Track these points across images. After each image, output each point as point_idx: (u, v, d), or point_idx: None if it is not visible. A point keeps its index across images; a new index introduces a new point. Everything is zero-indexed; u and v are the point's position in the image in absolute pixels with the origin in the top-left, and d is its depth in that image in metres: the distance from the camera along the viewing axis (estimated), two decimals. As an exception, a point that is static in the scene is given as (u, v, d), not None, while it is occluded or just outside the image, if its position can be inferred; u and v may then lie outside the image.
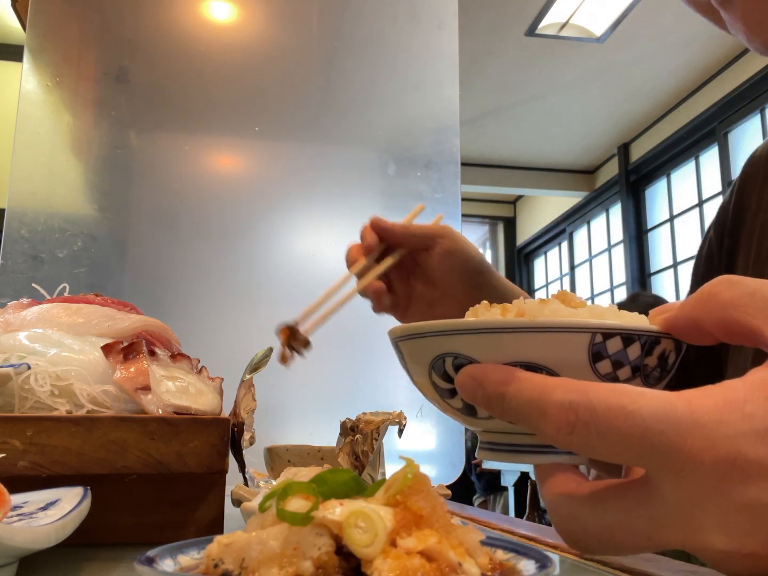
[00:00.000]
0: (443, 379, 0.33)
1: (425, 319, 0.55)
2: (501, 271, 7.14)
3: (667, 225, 4.97)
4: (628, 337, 0.31)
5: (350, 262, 0.71)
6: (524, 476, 4.54)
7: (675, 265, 4.82)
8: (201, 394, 0.56)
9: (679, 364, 0.36)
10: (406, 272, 0.73)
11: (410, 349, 0.35)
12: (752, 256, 0.65)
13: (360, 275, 0.70)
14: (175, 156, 1.27)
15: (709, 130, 4.39)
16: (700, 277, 0.73)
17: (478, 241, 7.28)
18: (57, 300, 0.64)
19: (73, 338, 0.57)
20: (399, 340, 0.36)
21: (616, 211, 5.53)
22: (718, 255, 0.71)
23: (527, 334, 0.31)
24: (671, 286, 4.85)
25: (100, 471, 0.47)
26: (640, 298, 2.61)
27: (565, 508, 0.30)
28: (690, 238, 4.60)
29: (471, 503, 4.07)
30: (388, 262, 0.70)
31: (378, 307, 0.74)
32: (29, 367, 0.51)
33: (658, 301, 2.50)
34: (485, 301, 0.36)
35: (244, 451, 0.60)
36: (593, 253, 5.91)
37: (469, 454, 3.89)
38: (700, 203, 4.45)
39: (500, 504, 4.22)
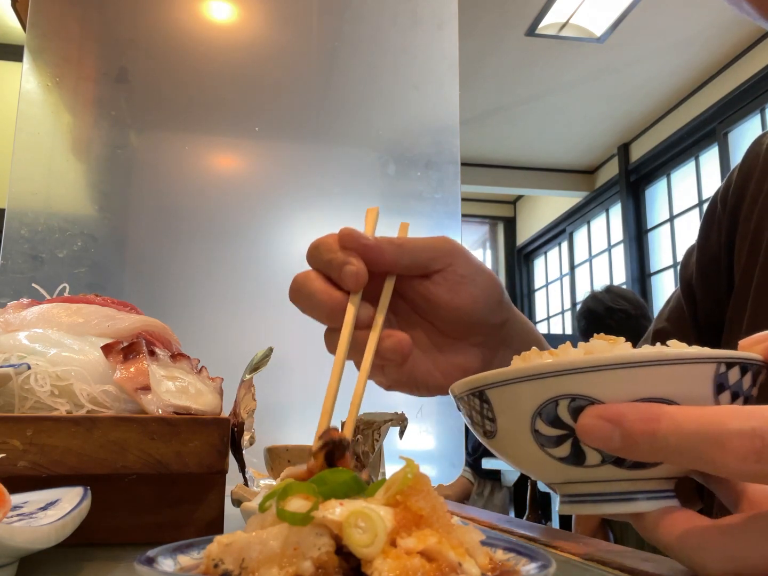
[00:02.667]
0: (552, 426, 0.31)
1: (428, 376, 0.52)
2: (501, 271, 7.15)
3: (667, 225, 4.97)
4: (744, 366, 0.31)
5: (330, 313, 0.49)
6: (524, 476, 4.54)
7: (675, 265, 4.82)
8: (201, 394, 0.56)
9: None
10: (395, 311, 0.53)
11: (508, 396, 0.32)
12: (747, 245, 0.65)
13: (359, 327, 0.48)
14: (175, 156, 1.27)
15: (709, 130, 4.39)
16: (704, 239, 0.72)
17: (478, 241, 7.28)
18: (57, 300, 0.64)
19: (73, 338, 0.57)
20: (488, 388, 0.33)
21: (616, 211, 5.53)
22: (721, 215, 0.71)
23: (657, 367, 0.29)
24: (671, 286, 4.85)
25: (100, 471, 0.47)
26: (613, 290, 2.60)
27: (696, 540, 0.29)
28: (690, 238, 4.60)
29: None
30: (386, 294, 0.48)
31: (396, 373, 0.52)
32: (29, 367, 0.51)
33: (629, 298, 2.50)
34: (535, 348, 0.34)
35: (244, 451, 0.60)
36: (593, 253, 5.91)
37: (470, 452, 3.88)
38: (700, 203, 4.45)
39: (498, 497, 4.21)
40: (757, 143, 0.71)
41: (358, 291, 0.47)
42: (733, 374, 0.30)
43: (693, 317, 0.72)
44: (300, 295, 0.49)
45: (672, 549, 0.31)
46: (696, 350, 0.30)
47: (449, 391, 0.38)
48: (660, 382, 0.29)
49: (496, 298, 0.52)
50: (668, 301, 0.76)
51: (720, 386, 0.30)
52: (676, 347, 0.31)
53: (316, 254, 0.49)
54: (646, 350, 0.30)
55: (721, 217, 0.72)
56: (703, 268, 0.72)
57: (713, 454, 0.27)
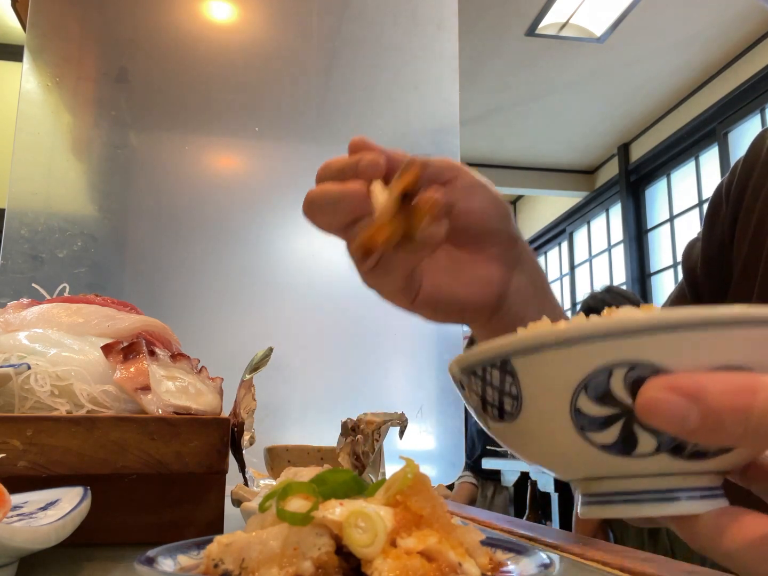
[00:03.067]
0: (600, 403, 0.24)
1: (450, 294, 0.51)
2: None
3: (667, 225, 4.97)
4: None
5: (352, 201, 0.45)
6: (524, 476, 4.54)
7: (675, 265, 4.81)
8: (201, 394, 0.56)
9: None
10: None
11: (543, 366, 0.25)
12: (748, 237, 0.65)
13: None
14: (175, 156, 1.27)
15: (709, 130, 4.39)
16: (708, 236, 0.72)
17: (478, 241, 7.26)
18: (57, 300, 0.64)
19: (73, 338, 0.57)
20: (515, 356, 0.26)
21: (616, 211, 5.53)
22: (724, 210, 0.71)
23: (746, 329, 0.23)
24: (671, 286, 4.85)
25: (100, 471, 0.47)
26: (613, 290, 2.62)
27: None
28: (690, 239, 4.60)
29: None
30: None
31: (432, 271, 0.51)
32: (29, 367, 0.51)
33: (629, 298, 2.52)
34: (546, 317, 0.28)
35: (244, 451, 0.60)
36: (593, 253, 5.91)
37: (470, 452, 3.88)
38: (700, 203, 4.45)
39: (500, 498, 4.21)
40: (761, 137, 0.71)
41: (379, 176, 0.45)
42: None
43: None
44: (315, 201, 0.46)
45: (743, 560, 0.25)
46: None
47: (448, 370, 0.33)
48: (741, 348, 0.24)
49: (506, 208, 0.52)
50: (671, 294, 0.76)
51: None
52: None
53: (326, 167, 0.48)
54: (727, 309, 0.23)
55: (724, 208, 0.72)
56: (709, 259, 0.72)
57: None
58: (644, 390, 0.23)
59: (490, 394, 0.28)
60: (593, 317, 0.25)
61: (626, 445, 0.25)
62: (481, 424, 0.31)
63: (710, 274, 0.71)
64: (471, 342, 4.52)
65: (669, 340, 0.23)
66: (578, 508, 0.29)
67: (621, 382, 0.24)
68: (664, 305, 0.76)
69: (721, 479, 0.28)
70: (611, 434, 0.25)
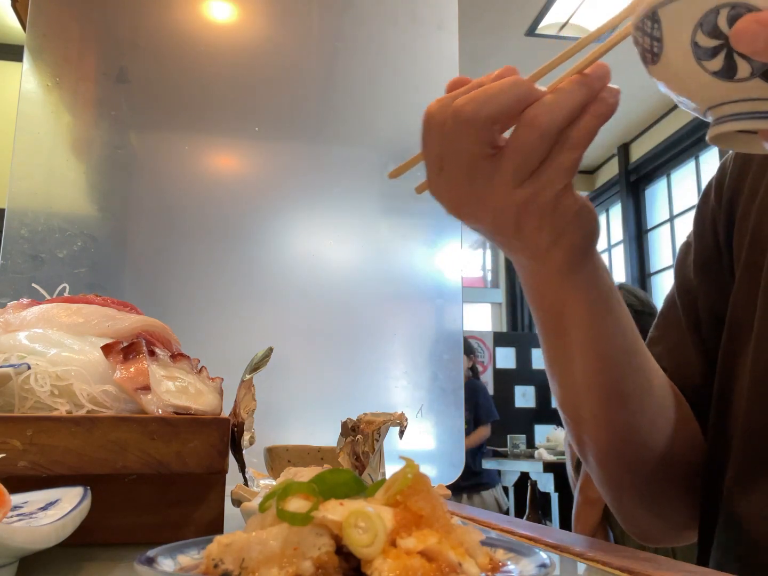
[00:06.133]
0: (711, 36, 0.35)
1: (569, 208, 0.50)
2: (502, 271, 7.15)
3: (667, 225, 4.97)
4: None
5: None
6: (524, 476, 4.54)
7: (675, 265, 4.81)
8: (201, 394, 0.56)
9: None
10: None
11: (676, 11, 0.36)
12: (746, 243, 0.63)
13: None
14: (175, 156, 1.27)
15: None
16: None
17: (479, 241, 7.27)
18: (57, 300, 0.64)
19: (73, 338, 0.57)
20: (660, 6, 0.36)
21: (616, 211, 5.53)
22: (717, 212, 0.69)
23: None
24: (671, 286, 4.84)
25: (100, 471, 0.47)
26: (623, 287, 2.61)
27: None
28: (690, 238, 4.60)
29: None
30: None
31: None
32: (29, 367, 0.51)
33: (638, 295, 2.51)
34: None
35: (244, 451, 0.60)
36: (593, 253, 5.90)
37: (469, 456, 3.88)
38: (700, 203, 4.45)
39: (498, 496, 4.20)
40: None
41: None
42: None
43: (691, 314, 0.69)
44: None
45: None
46: None
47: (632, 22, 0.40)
48: None
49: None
50: (662, 309, 0.74)
51: None
52: None
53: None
54: None
55: (716, 209, 0.69)
56: (703, 260, 0.69)
57: None
58: (737, 23, 0.34)
59: (645, 41, 0.39)
60: None
61: (729, 71, 0.35)
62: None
63: (707, 277, 0.68)
64: (472, 366, 4.49)
65: None
66: (708, 133, 0.39)
67: (725, 19, 0.34)
68: (657, 322, 0.73)
69: None
70: (718, 62, 0.35)
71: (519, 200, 0.45)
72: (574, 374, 0.56)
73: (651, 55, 0.39)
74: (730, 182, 0.68)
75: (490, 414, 4.13)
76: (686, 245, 0.73)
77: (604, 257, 6.08)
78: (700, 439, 0.65)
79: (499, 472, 4.81)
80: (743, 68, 0.35)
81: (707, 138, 0.40)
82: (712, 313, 0.67)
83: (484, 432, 4.06)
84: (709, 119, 0.39)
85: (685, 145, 4.64)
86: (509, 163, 0.44)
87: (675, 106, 4.77)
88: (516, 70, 0.46)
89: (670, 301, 0.72)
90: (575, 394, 0.58)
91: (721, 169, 0.71)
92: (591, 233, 0.51)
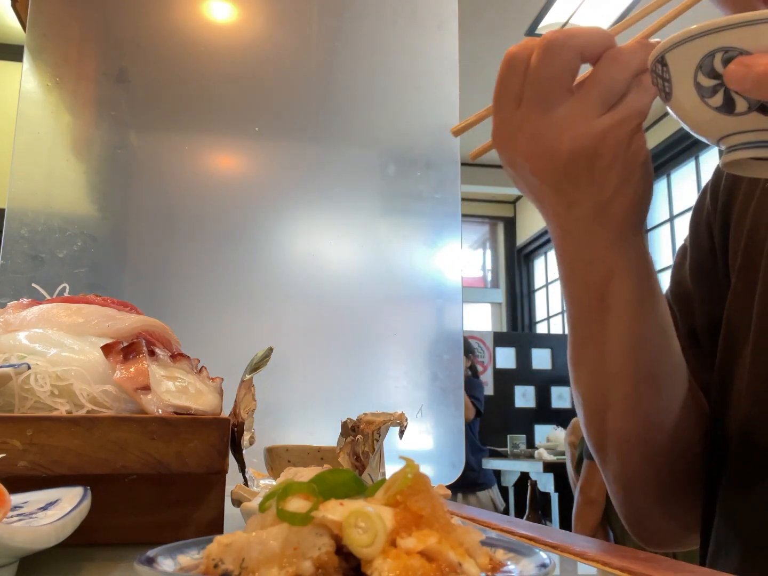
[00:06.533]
0: (709, 77, 0.39)
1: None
2: (501, 272, 7.14)
3: (667, 225, 4.97)
4: None
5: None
6: (524, 476, 4.54)
7: (675, 265, 4.81)
8: (201, 394, 0.56)
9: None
10: None
11: (678, 56, 0.40)
12: (741, 246, 0.63)
13: None
14: (175, 156, 1.27)
15: (709, 130, 4.39)
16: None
17: (478, 241, 7.28)
18: (57, 300, 0.64)
19: (73, 338, 0.57)
20: (666, 52, 0.41)
21: (616, 211, 5.52)
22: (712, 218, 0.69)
23: None
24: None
25: (100, 471, 0.47)
26: None
27: None
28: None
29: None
30: None
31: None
32: (29, 367, 0.51)
33: None
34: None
35: (244, 451, 0.60)
36: (593, 253, 5.90)
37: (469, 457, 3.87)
38: (700, 203, 4.45)
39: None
40: None
41: None
42: None
43: (687, 319, 0.69)
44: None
45: None
46: None
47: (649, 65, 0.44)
48: None
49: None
50: None
51: None
52: None
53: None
54: None
55: (711, 213, 0.69)
56: (698, 265, 0.69)
57: None
58: (728, 65, 0.38)
59: (659, 83, 0.44)
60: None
61: (729, 106, 0.39)
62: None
63: (702, 281, 0.68)
64: (471, 365, 4.46)
65: (748, 31, 0.37)
66: (721, 161, 0.43)
67: (720, 61, 0.38)
68: None
69: None
70: (718, 98, 0.39)
71: (598, 130, 0.48)
72: (607, 356, 0.56)
73: (665, 94, 0.44)
74: (725, 186, 0.68)
75: (480, 405, 4.12)
76: (683, 249, 0.73)
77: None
78: (705, 442, 0.65)
79: (498, 472, 4.81)
80: (741, 104, 0.39)
81: (720, 165, 0.43)
82: (709, 318, 0.67)
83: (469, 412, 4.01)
84: (722, 148, 0.43)
85: (685, 145, 4.64)
86: (593, 91, 0.48)
87: (675, 106, 4.78)
88: None
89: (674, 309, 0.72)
90: (606, 377, 0.57)
91: (716, 174, 0.71)
92: (649, 192, 0.53)
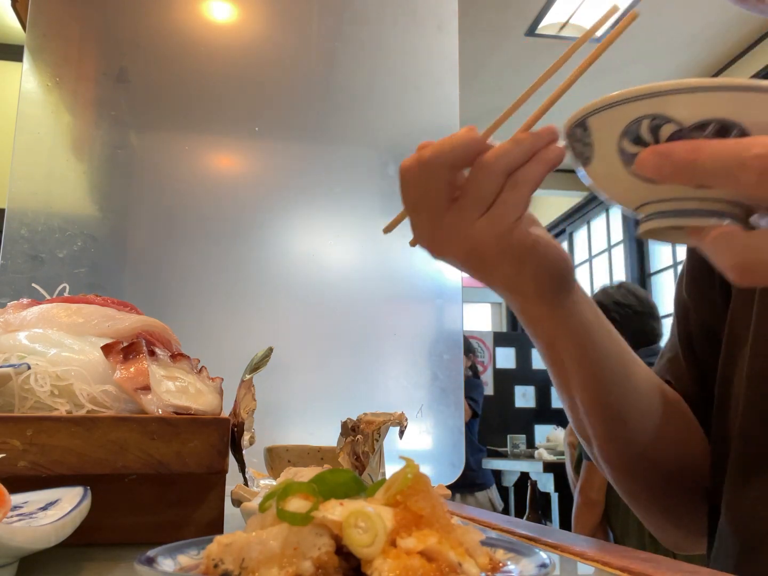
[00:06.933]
0: (634, 143, 0.38)
1: (544, 245, 0.54)
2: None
3: (667, 225, 4.96)
4: None
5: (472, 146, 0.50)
6: (524, 476, 4.54)
7: (675, 265, 4.81)
8: (201, 394, 0.56)
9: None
10: None
11: (603, 120, 0.39)
12: None
13: None
14: (175, 156, 1.27)
15: (709, 130, 4.39)
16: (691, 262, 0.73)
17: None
18: (57, 300, 0.64)
19: (73, 338, 0.57)
20: (589, 116, 0.40)
21: (616, 211, 5.53)
22: None
23: (733, 93, 0.35)
24: (671, 286, 4.85)
25: (100, 471, 0.47)
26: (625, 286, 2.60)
27: (741, 240, 0.35)
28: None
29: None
30: None
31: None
32: (29, 367, 0.51)
33: (639, 296, 2.51)
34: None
35: (244, 451, 0.60)
36: (593, 253, 5.91)
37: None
38: (700, 203, 4.45)
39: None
40: None
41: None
42: None
43: (684, 328, 0.71)
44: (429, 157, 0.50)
45: (716, 255, 0.37)
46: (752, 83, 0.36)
47: (563, 130, 0.44)
48: (734, 107, 0.35)
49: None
50: (664, 350, 0.76)
51: None
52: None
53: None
54: (717, 79, 0.36)
55: None
56: (693, 276, 0.71)
57: (738, 173, 0.33)
58: (641, 153, 0.37)
59: (577, 147, 0.42)
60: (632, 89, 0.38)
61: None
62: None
63: (695, 295, 0.70)
64: (471, 365, 4.45)
65: (675, 99, 0.36)
66: (638, 229, 0.42)
67: (647, 128, 0.37)
68: (661, 358, 0.75)
69: (738, 210, 0.38)
70: None
71: (478, 233, 0.51)
72: (575, 401, 0.61)
73: (583, 159, 0.42)
74: None
75: (477, 406, 4.12)
76: (685, 258, 0.75)
77: (604, 257, 6.04)
78: (708, 447, 0.66)
79: (498, 472, 4.81)
80: None
81: (637, 234, 0.43)
82: (704, 328, 0.69)
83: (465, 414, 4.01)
84: (640, 216, 0.42)
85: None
86: (466, 200, 0.50)
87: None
88: (475, 128, 0.50)
89: (674, 315, 0.74)
90: (581, 417, 0.62)
91: None
92: (555, 267, 0.55)
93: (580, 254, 6.14)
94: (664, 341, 0.90)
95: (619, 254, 5.46)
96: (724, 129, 0.35)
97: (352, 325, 1.25)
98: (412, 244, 0.56)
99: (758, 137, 0.35)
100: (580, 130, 0.41)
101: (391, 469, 0.43)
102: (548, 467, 4.18)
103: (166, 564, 0.30)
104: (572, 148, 0.43)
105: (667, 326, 1.04)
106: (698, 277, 0.70)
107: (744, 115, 0.35)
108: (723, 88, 0.36)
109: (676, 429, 0.65)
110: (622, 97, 0.38)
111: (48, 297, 0.68)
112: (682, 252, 4.72)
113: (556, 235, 6.40)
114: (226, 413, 0.58)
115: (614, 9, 0.59)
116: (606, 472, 0.66)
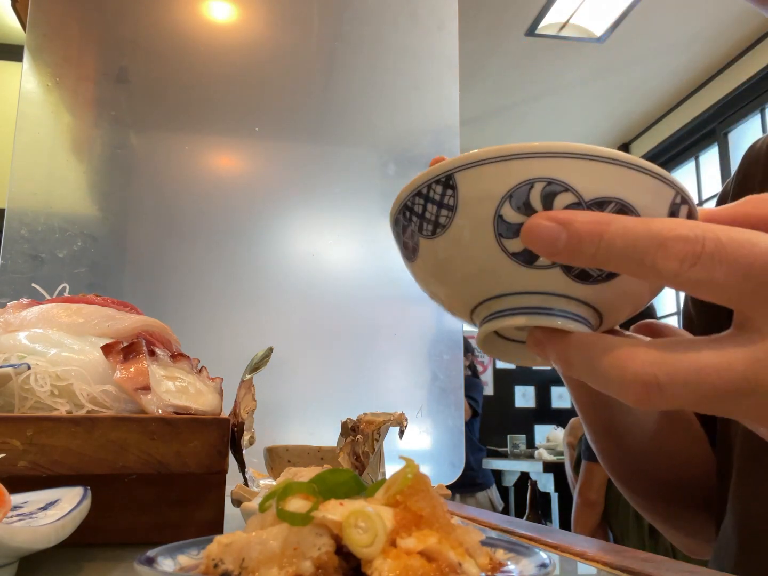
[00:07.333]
0: (518, 211, 0.29)
1: None
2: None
3: (667, 225, 4.96)
4: (691, 212, 0.32)
5: None
6: (524, 476, 4.54)
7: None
8: (201, 394, 0.56)
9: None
10: None
11: (482, 177, 0.30)
12: None
13: None
14: (175, 156, 1.27)
15: (709, 130, 4.39)
16: None
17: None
18: (57, 300, 0.64)
19: (73, 338, 0.57)
20: (459, 170, 0.31)
21: (616, 211, 5.53)
22: None
23: (634, 172, 0.29)
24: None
25: (100, 471, 0.47)
26: None
27: (648, 355, 0.28)
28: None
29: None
30: None
31: None
32: (29, 367, 0.51)
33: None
34: None
35: (244, 451, 0.60)
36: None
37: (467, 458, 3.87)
38: (700, 203, 4.45)
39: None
40: (752, 149, 0.69)
41: None
42: (682, 212, 0.31)
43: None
44: None
45: (615, 370, 0.29)
46: (664, 172, 0.30)
47: (391, 208, 0.35)
48: (632, 188, 0.30)
49: None
50: None
51: (672, 214, 0.31)
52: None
53: None
54: (629, 156, 0.30)
55: None
56: None
57: (656, 256, 0.27)
58: (529, 219, 0.29)
59: (429, 209, 0.32)
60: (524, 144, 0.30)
61: (531, 254, 0.30)
62: (403, 257, 0.35)
63: (700, 309, 0.70)
64: (470, 364, 4.44)
65: (580, 165, 0.29)
66: (477, 338, 0.33)
67: (539, 194, 0.29)
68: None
69: (594, 317, 0.32)
70: (519, 244, 0.30)
71: None
72: (585, 423, 0.63)
73: (433, 227, 0.32)
74: (733, 200, 0.69)
75: (477, 405, 4.12)
76: None
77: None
78: (713, 457, 0.66)
79: (498, 472, 4.81)
80: (544, 259, 0.30)
81: (477, 341, 0.34)
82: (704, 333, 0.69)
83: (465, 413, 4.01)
84: (478, 317, 0.34)
85: (686, 144, 4.64)
86: None
87: (675, 106, 4.78)
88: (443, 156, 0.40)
89: (681, 327, 0.75)
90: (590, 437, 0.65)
91: (724, 190, 0.72)
92: None
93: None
94: None
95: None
96: (624, 212, 0.30)
97: (352, 325, 1.25)
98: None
99: (682, 219, 0.29)
100: (441, 189, 0.31)
101: (391, 469, 0.43)
102: (548, 467, 4.18)
103: (166, 564, 0.30)
104: (420, 212, 0.33)
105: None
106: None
107: (653, 202, 0.30)
108: (636, 167, 0.30)
109: (680, 444, 0.66)
110: (511, 151, 0.30)
111: (48, 297, 0.68)
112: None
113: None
114: (226, 413, 0.58)
115: None
116: (615, 483, 0.68)
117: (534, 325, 0.31)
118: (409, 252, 0.35)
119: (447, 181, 0.31)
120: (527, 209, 0.29)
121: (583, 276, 0.31)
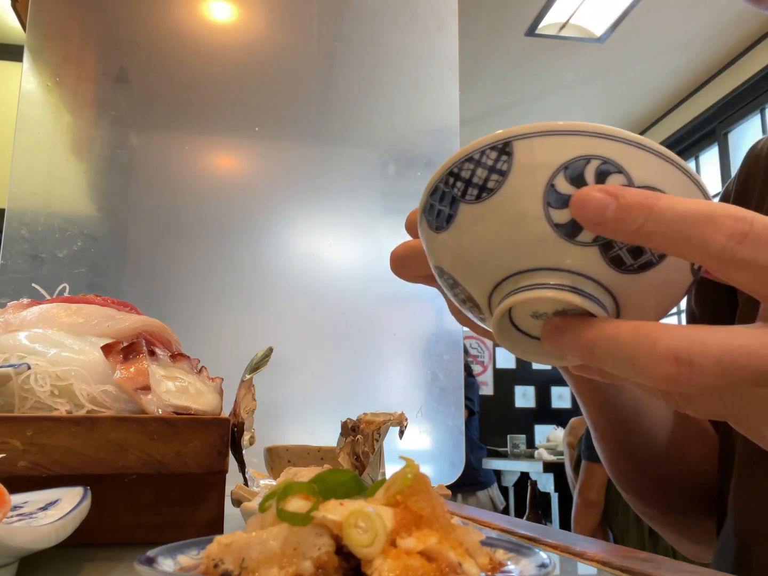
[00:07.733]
0: (571, 182, 0.30)
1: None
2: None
3: (667, 225, 4.96)
4: None
5: None
6: (524, 476, 4.54)
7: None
8: (201, 394, 0.56)
9: None
10: None
11: (542, 147, 0.31)
12: None
13: None
14: (175, 156, 1.27)
15: (709, 130, 4.39)
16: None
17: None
18: (57, 300, 0.64)
19: (73, 338, 0.57)
20: (521, 138, 0.31)
21: (616, 211, 5.53)
22: None
23: (677, 171, 0.31)
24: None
25: (100, 471, 0.47)
26: None
27: (680, 330, 0.28)
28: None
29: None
30: None
31: None
32: (29, 367, 0.51)
33: None
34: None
35: (244, 451, 0.60)
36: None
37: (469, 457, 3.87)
38: (700, 203, 4.44)
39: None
40: (753, 149, 0.69)
41: None
42: None
43: None
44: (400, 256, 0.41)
45: (645, 339, 0.29)
46: (700, 177, 0.33)
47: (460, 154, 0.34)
48: (674, 183, 0.31)
49: None
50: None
51: None
52: None
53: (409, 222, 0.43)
54: (676, 156, 0.32)
55: None
56: (703, 284, 0.71)
57: (704, 230, 0.28)
58: (581, 189, 0.29)
59: (479, 174, 0.32)
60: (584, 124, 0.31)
61: (573, 229, 0.30)
62: (429, 229, 0.34)
63: (703, 308, 0.71)
64: (465, 366, 4.49)
65: (635, 153, 0.31)
66: (494, 316, 0.32)
67: (593, 170, 0.30)
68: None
69: (613, 311, 0.32)
70: (567, 214, 0.30)
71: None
72: (592, 427, 0.64)
73: (479, 191, 0.32)
74: (735, 201, 0.69)
75: (472, 405, 4.12)
76: None
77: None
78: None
79: (498, 472, 4.81)
80: (588, 232, 0.30)
81: (494, 319, 0.33)
82: None
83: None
84: (500, 293, 0.33)
85: (686, 144, 4.64)
86: None
87: (675, 106, 4.78)
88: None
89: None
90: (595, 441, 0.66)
91: (725, 191, 0.72)
92: None
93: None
94: None
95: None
96: None
97: (352, 325, 1.25)
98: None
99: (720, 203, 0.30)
100: (495, 154, 0.31)
101: (391, 469, 0.43)
102: (548, 467, 4.18)
103: (166, 564, 0.30)
104: (464, 179, 0.32)
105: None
106: (706, 289, 0.71)
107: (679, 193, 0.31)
108: (680, 167, 0.32)
109: (694, 452, 0.66)
110: (575, 127, 0.31)
111: (48, 297, 0.68)
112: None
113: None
114: (226, 413, 0.58)
115: None
116: (620, 488, 0.69)
117: (562, 300, 0.31)
118: (442, 221, 0.33)
119: (504, 147, 0.31)
120: (580, 182, 0.30)
121: (617, 261, 0.31)
